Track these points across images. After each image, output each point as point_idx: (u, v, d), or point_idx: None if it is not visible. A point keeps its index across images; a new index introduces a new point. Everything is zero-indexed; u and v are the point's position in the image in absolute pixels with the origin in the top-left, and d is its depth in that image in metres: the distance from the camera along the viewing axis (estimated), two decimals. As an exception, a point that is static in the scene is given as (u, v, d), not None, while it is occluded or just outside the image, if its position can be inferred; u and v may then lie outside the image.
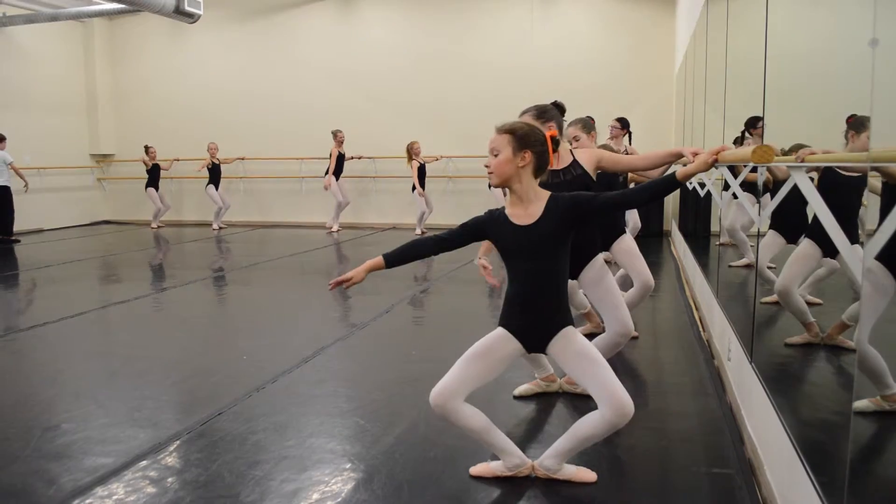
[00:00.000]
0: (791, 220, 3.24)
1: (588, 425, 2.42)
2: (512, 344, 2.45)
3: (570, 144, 3.75)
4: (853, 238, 1.94)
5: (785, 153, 2.53)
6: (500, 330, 2.48)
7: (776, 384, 2.63)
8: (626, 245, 4.24)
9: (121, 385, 3.81)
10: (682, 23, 9.13)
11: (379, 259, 2.50)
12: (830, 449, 2.08)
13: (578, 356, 2.39)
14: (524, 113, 3.21)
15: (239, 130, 12.56)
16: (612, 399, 2.32)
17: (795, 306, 3.02)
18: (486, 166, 2.43)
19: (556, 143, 2.46)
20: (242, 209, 12.86)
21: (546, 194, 2.43)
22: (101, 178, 13.62)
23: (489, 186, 10.41)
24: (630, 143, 7.18)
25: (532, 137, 2.39)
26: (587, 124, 3.92)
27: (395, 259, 2.52)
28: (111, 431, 3.09)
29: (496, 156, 2.39)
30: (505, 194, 2.54)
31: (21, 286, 7.21)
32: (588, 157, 3.32)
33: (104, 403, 3.47)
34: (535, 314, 2.43)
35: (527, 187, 2.41)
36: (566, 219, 2.39)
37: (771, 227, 3.42)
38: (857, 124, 2.13)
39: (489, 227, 2.47)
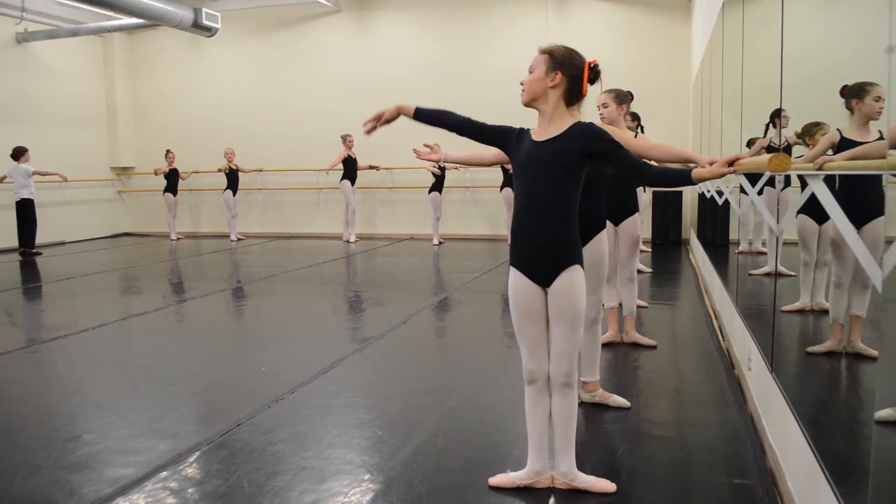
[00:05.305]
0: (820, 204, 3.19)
1: (557, 409, 2.49)
2: (526, 284, 2.45)
3: (598, 109, 3.85)
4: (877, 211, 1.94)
5: (799, 136, 2.52)
6: (511, 275, 2.49)
7: (797, 393, 2.60)
8: (632, 229, 4.35)
9: (141, 396, 3.84)
10: (697, 30, 9.10)
11: (411, 106, 2.61)
12: (853, 459, 2.05)
13: (566, 308, 2.41)
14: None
15: (256, 142, 12.66)
16: (563, 360, 2.42)
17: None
18: (521, 83, 2.45)
19: (595, 73, 2.43)
20: (260, 220, 12.94)
21: (572, 119, 2.44)
22: (122, 190, 13.78)
23: (500, 190, 10.36)
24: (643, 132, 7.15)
25: (567, 61, 2.40)
26: (620, 95, 3.91)
27: (424, 114, 2.61)
28: (132, 442, 3.11)
29: (531, 73, 2.43)
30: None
31: (43, 298, 7.30)
32: None
33: (125, 414, 3.50)
34: (536, 244, 2.42)
35: (552, 108, 2.42)
36: (582, 146, 2.38)
37: (800, 211, 3.37)
38: (857, 90, 2.11)
39: (513, 138, 2.50)
